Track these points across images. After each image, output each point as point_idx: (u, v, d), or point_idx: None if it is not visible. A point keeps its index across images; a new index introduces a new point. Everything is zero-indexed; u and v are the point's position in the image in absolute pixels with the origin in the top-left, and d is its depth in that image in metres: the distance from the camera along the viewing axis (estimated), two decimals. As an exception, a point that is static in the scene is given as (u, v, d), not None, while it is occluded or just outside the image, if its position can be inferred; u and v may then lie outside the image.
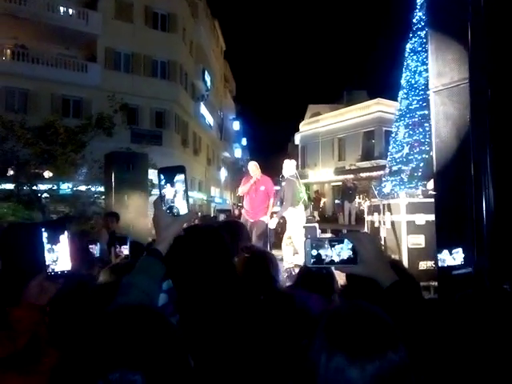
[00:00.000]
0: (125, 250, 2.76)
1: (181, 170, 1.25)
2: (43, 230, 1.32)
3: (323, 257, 1.15)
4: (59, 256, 1.30)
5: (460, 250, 2.11)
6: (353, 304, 0.85)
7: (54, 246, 1.30)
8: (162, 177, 1.24)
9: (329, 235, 10.13)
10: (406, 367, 0.74)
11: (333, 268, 1.36)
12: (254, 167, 7.16)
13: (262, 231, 7.41)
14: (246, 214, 7.12)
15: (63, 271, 1.32)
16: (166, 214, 1.24)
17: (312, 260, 1.16)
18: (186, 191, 1.25)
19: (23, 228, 2.47)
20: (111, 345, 0.68)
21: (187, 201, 1.25)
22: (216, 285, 1.25)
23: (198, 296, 1.26)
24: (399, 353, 0.74)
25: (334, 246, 1.16)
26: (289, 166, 7.25)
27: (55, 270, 1.31)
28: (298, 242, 6.80)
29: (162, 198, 1.25)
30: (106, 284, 1.72)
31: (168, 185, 1.24)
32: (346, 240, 1.17)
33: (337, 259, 1.16)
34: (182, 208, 1.24)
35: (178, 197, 1.24)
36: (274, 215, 7.25)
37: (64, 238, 1.32)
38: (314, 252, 1.16)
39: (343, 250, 1.16)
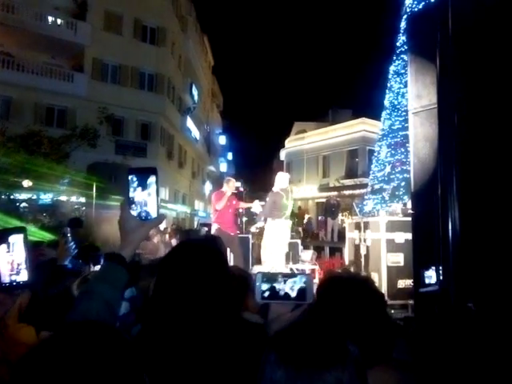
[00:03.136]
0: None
1: (152, 171, 1.18)
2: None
3: (276, 289, 1.13)
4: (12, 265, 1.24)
5: (432, 268, 2.14)
6: (304, 320, 0.86)
7: (7, 255, 1.24)
8: (133, 178, 1.17)
9: (311, 252, 10.14)
10: None
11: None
12: (232, 184, 7.27)
13: (245, 246, 7.54)
14: (226, 229, 7.12)
15: (19, 282, 1.24)
16: (132, 217, 1.16)
17: (262, 295, 1.13)
18: (157, 195, 1.18)
19: None
20: (59, 368, 0.65)
21: (157, 205, 1.18)
22: (208, 301, 1.18)
23: (176, 308, 1.19)
24: (344, 371, 0.74)
25: (286, 280, 1.13)
26: (279, 179, 7.18)
27: (11, 281, 1.24)
28: (272, 255, 6.82)
29: (129, 200, 1.17)
30: (67, 297, 1.67)
31: (139, 188, 1.17)
32: (299, 276, 1.15)
33: (291, 293, 1.13)
34: (151, 212, 1.17)
35: (149, 200, 1.17)
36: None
37: (19, 247, 1.25)
38: (265, 286, 1.13)
39: (296, 284, 1.13)
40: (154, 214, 1.17)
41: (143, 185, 1.17)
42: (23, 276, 1.24)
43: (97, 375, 0.66)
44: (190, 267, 1.20)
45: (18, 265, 1.24)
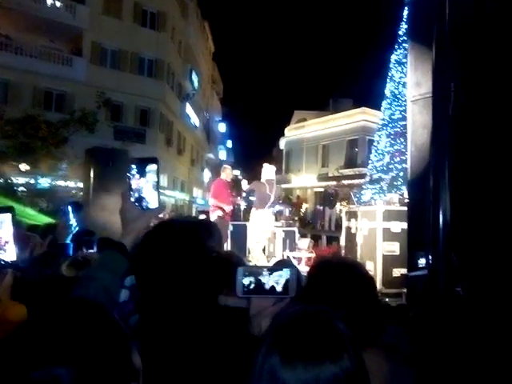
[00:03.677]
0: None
1: (153, 161, 1.19)
2: None
3: (258, 284, 1.11)
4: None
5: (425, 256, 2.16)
6: (303, 309, 0.84)
7: None
8: (134, 167, 1.18)
9: (308, 240, 10.17)
10: (349, 379, 0.73)
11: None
12: (229, 171, 7.62)
13: (242, 234, 7.75)
14: (226, 217, 7.26)
15: (7, 261, 1.24)
16: (134, 207, 1.17)
17: (243, 289, 1.12)
18: (157, 183, 1.19)
19: None
20: (37, 341, 0.65)
21: (158, 194, 1.19)
22: (187, 285, 1.18)
23: (162, 296, 1.19)
24: (341, 363, 0.73)
25: (271, 273, 1.12)
26: (265, 171, 7.37)
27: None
28: (257, 244, 7.22)
29: (130, 189, 1.18)
30: (63, 278, 1.67)
31: (138, 175, 1.18)
32: (284, 269, 1.13)
33: (275, 287, 1.12)
34: (151, 201, 1.18)
35: (148, 188, 1.18)
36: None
37: (7, 226, 1.24)
38: (246, 281, 1.12)
39: (282, 278, 1.12)
40: (154, 204, 1.18)
41: (143, 174, 1.18)
42: (11, 255, 1.24)
43: (79, 349, 0.66)
44: (165, 246, 1.19)
45: (6, 243, 1.23)
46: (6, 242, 1.23)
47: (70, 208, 2.74)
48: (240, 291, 1.12)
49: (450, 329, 1.18)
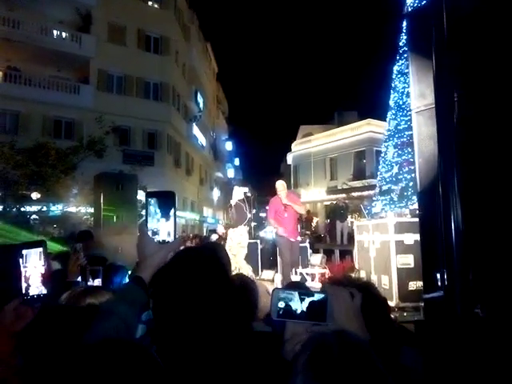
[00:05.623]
0: (98, 284, 2.59)
1: (170, 195, 1.22)
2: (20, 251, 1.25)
3: (293, 308, 1.09)
4: (34, 279, 1.23)
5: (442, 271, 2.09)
6: (338, 336, 0.81)
7: (26, 268, 1.24)
8: (152, 202, 1.20)
9: (320, 255, 10.07)
10: None
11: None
12: (282, 187, 7.05)
13: (253, 252, 8.01)
14: (283, 234, 6.92)
15: (39, 295, 1.23)
16: (151, 241, 1.19)
17: (278, 313, 1.10)
18: (174, 218, 1.21)
19: None
20: None
21: (174, 227, 1.21)
22: (211, 314, 1.16)
23: (188, 327, 1.17)
24: None
25: (303, 299, 1.09)
26: (237, 193, 8.06)
27: (31, 294, 1.22)
28: (239, 259, 7.58)
29: (147, 223, 1.20)
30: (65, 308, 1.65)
31: (157, 210, 1.20)
32: (316, 294, 1.10)
33: (308, 312, 1.08)
34: (169, 235, 1.20)
35: (167, 223, 1.20)
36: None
37: (38, 260, 1.25)
38: (282, 304, 1.09)
39: (318, 303, 1.09)
40: (171, 237, 1.20)
41: (161, 209, 1.20)
42: (43, 289, 1.24)
43: None
44: (185, 279, 1.17)
45: (41, 278, 1.24)
46: (44, 276, 1.24)
47: (80, 246, 2.72)
48: (275, 314, 1.10)
49: (469, 353, 1.14)
